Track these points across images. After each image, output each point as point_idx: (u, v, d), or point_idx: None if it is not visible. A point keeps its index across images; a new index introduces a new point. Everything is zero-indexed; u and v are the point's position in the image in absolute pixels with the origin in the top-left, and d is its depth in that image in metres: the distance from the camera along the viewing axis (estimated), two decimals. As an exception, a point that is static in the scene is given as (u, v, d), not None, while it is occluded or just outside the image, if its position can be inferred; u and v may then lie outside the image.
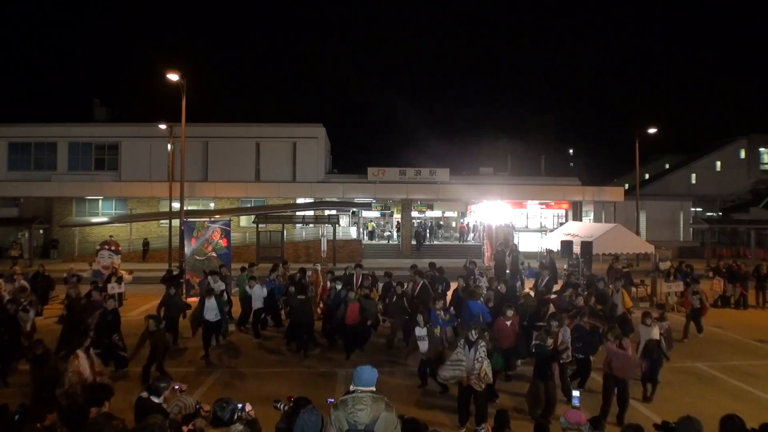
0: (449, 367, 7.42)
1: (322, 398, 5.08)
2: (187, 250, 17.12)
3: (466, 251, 31.48)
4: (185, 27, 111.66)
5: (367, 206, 35.25)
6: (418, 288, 12.09)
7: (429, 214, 38.02)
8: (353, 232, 35.21)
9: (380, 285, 13.62)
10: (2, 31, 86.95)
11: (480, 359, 7.13)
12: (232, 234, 18.46)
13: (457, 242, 35.80)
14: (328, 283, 13.16)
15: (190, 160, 27.95)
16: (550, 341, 7.73)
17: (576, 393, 5.26)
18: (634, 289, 16.63)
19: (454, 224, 39.27)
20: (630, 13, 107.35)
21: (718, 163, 45.16)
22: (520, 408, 7.99)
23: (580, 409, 4.92)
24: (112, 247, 17.33)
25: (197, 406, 5.11)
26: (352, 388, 4.26)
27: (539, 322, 9.95)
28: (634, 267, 18.82)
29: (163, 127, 27.22)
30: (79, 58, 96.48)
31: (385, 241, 36.64)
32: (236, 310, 13.47)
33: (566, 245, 17.23)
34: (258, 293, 12.54)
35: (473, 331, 7.37)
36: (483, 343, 7.29)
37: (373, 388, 4.24)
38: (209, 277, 13.21)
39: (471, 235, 36.33)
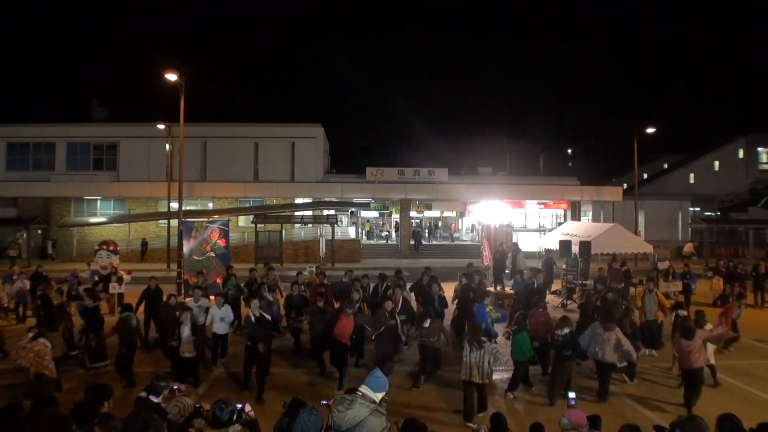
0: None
1: (322, 399, 5.06)
2: (186, 249, 17.09)
3: (465, 251, 31.55)
4: (184, 27, 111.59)
5: (366, 206, 35.27)
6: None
7: (427, 213, 38.04)
8: (352, 232, 35.23)
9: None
10: (1, 31, 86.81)
11: (490, 360, 7.45)
12: (230, 234, 18.43)
13: (456, 242, 35.86)
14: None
15: (189, 160, 27.95)
16: (566, 330, 8.21)
17: (572, 394, 5.24)
18: (633, 289, 16.62)
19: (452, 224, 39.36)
20: (629, 12, 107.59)
21: (717, 163, 45.21)
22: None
23: (576, 408, 4.92)
24: (111, 247, 17.28)
25: (196, 407, 5.09)
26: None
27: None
28: (632, 267, 18.82)
29: (161, 127, 27.22)
30: (78, 58, 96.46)
31: (384, 241, 36.66)
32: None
33: (565, 245, 17.24)
34: (216, 315, 9.95)
35: (484, 339, 7.67)
36: (494, 347, 7.69)
37: (373, 395, 4.15)
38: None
39: (469, 234, 36.38)
